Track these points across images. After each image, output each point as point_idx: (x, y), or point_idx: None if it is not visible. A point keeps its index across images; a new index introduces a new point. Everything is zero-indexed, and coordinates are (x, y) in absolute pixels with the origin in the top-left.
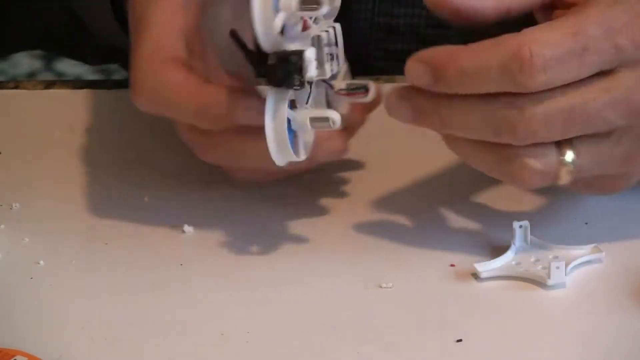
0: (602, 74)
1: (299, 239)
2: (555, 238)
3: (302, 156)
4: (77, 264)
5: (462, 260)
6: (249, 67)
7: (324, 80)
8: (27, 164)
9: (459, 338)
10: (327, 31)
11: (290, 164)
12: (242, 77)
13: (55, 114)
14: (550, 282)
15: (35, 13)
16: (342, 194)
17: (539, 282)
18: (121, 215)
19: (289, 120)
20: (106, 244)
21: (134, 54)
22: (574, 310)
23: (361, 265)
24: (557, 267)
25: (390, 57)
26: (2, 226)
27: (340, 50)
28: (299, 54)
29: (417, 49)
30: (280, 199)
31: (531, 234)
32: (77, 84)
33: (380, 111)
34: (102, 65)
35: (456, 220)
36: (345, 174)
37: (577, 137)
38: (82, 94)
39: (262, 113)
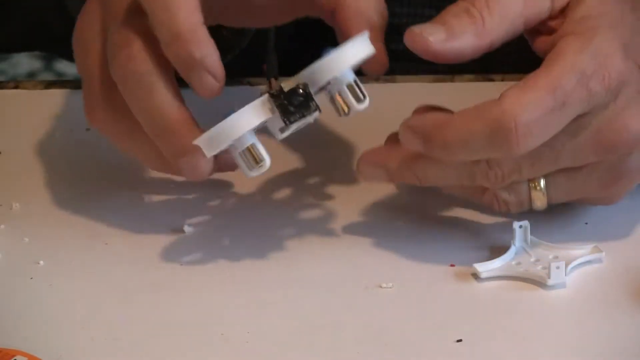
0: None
1: (299, 239)
2: (555, 238)
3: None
4: (77, 264)
5: (462, 260)
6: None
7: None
8: (27, 164)
9: (459, 338)
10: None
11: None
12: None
13: (55, 114)
14: (550, 282)
15: (34, 14)
16: (342, 194)
17: (539, 282)
18: (121, 215)
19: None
20: (106, 244)
21: None
22: (574, 310)
23: (361, 265)
24: (557, 267)
25: (391, 57)
26: (2, 226)
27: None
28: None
29: None
30: (280, 200)
31: (531, 234)
32: (77, 84)
33: (381, 111)
34: None
35: (456, 220)
36: (346, 174)
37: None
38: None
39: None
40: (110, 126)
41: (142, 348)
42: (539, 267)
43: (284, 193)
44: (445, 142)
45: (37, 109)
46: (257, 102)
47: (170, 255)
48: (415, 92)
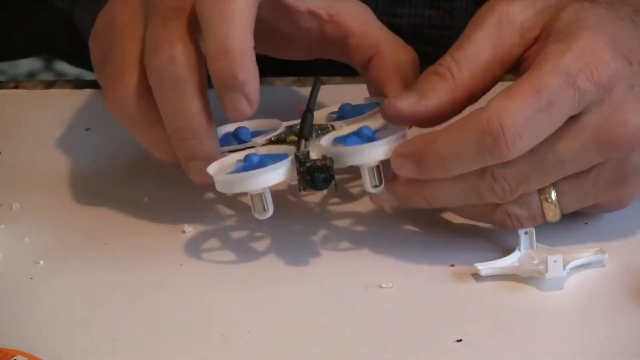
0: (568, 119)
1: (299, 239)
2: (554, 238)
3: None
4: (77, 264)
5: (462, 260)
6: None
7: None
8: (27, 164)
9: (459, 338)
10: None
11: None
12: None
13: (55, 114)
14: (548, 275)
15: (42, 30)
16: (342, 194)
17: (539, 283)
18: (121, 215)
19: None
20: (106, 244)
21: None
22: (574, 310)
23: (361, 265)
24: (555, 261)
25: None
26: (2, 226)
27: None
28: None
29: (420, 49)
30: (280, 199)
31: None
32: (77, 84)
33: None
34: None
35: (456, 220)
36: (346, 174)
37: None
38: (82, 94)
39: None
40: (129, 113)
41: (142, 348)
42: (541, 267)
43: (283, 193)
44: (438, 157)
45: (37, 109)
46: (282, 164)
47: (170, 255)
48: None
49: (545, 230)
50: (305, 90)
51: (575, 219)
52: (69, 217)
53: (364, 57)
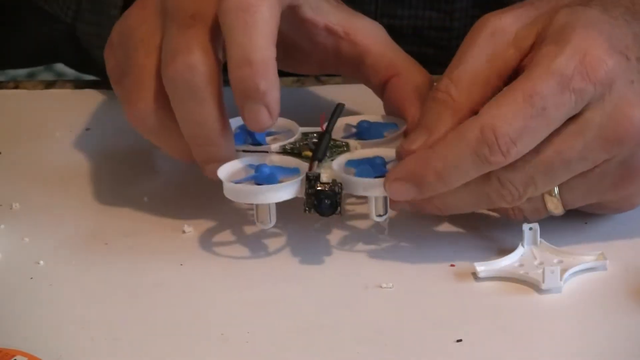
0: (570, 119)
1: (299, 239)
2: (554, 238)
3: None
4: (77, 264)
5: (462, 260)
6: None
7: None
8: (27, 164)
9: (459, 338)
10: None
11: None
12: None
13: (55, 114)
14: (544, 286)
15: (45, 42)
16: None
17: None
18: (121, 215)
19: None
20: (106, 244)
21: None
22: (574, 310)
23: (361, 265)
24: (552, 272)
25: None
26: (2, 226)
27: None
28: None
29: (420, 51)
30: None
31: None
32: (77, 84)
33: (381, 111)
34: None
35: (456, 220)
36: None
37: None
38: (82, 94)
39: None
40: (151, 125)
41: (142, 348)
42: (540, 271)
43: None
44: (436, 172)
45: (37, 109)
46: (292, 184)
47: (170, 255)
48: None
49: (546, 230)
50: (306, 90)
51: (576, 219)
52: (69, 217)
53: (381, 78)
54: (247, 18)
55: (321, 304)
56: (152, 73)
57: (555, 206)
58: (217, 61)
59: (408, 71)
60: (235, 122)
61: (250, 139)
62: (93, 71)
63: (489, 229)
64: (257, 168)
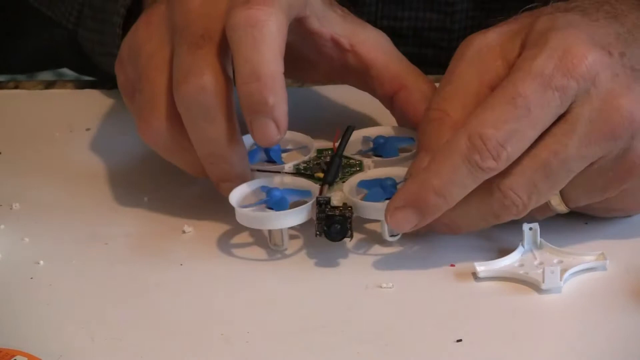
0: (560, 117)
1: (300, 239)
2: (554, 238)
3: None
4: (77, 264)
5: (462, 260)
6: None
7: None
8: (27, 164)
9: (459, 338)
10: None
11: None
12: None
13: (55, 114)
14: (544, 286)
15: (46, 48)
16: None
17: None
18: (121, 215)
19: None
20: (106, 244)
21: None
22: (574, 310)
23: (361, 265)
24: (552, 272)
25: None
26: (2, 226)
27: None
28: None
29: (420, 52)
30: None
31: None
32: (77, 84)
33: (383, 110)
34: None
35: None
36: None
37: None
38: (82, 94)
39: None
40: (164, 143)
41: (142, 348)
42: (540, 271)
43: None
44: (436, 191)
45: (37, 109)
46: (303, 209)
47: (170, 255)
48: None
49: (546, 230)
50: (306, 90)
51: (576, 219)
52: (69, 217)
53: (386, 90)
54: (255, 33)
55: (321, 304)
56: (163, 91)
57: (555, 202)
58: (228, 80)
59: (413, 81)
60: (250, 140)
61: (265, 155)
62: (96, 76)
63: (489, 229)
64: (269, 192)
